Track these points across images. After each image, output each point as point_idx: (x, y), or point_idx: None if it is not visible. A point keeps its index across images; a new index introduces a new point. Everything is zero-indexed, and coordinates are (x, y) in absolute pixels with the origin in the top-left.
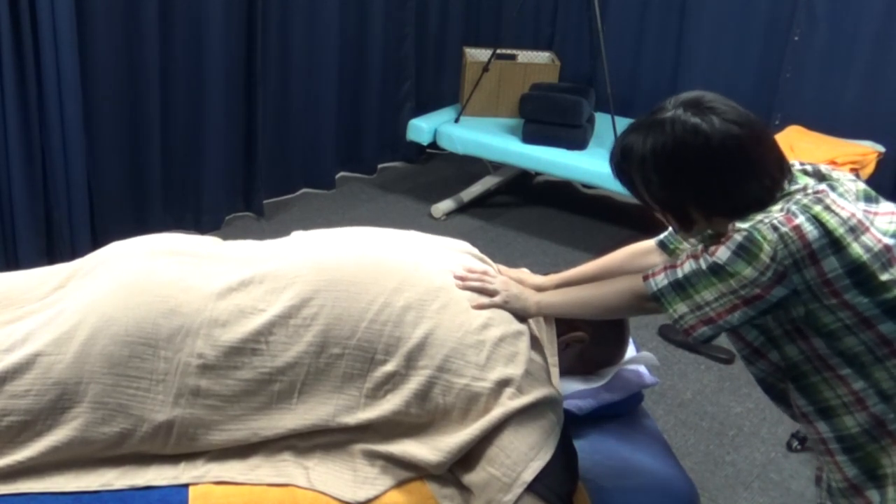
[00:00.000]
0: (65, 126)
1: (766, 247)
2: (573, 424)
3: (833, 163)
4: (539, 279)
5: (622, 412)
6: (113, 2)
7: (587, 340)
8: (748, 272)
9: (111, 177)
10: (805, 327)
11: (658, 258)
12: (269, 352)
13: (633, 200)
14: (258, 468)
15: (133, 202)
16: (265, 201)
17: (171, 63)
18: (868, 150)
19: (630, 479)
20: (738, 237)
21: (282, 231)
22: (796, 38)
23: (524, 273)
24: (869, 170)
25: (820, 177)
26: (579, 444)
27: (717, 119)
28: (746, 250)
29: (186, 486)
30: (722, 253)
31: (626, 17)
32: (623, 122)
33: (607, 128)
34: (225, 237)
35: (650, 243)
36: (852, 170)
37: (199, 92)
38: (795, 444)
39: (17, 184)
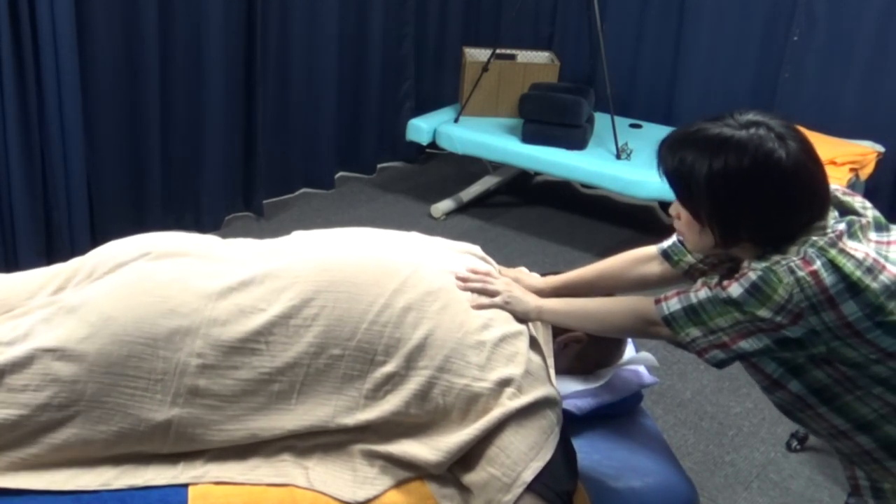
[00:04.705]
0: (64, 126)
1: (781, 290)
2: (573, 424)
3: (833, 163)
4: (537, 281)
5: (621, 412)
6: (113, 2)
7: (586, 340)
8: (762, 312)
9: (111, 177)
10: (829, 358)
11: (658, 267)
12: (268, 352)
13: (633, 201)
14: (257, 468)
15: (133, 202)
16: (265, 201)
17: (171, 63)
18: (867, 150)
19: (629, 479)
20: (752, 276)
21: (281, 231)
22: (795, 38)
23: (522, 272)
24: (868, 170)
25: (836, 203)
26: (579, 444)
27: (792, 145)
28: (760, 291)
29: (186, 485)
30: (734, 289)
31: (625, 17)
32: (623, 122)
33: (607, 128)
34: (225, 237)
35: (651, 250)
36: (852, 170)
37: (199, 92)
38: (795, 443)
39: (16, 184)
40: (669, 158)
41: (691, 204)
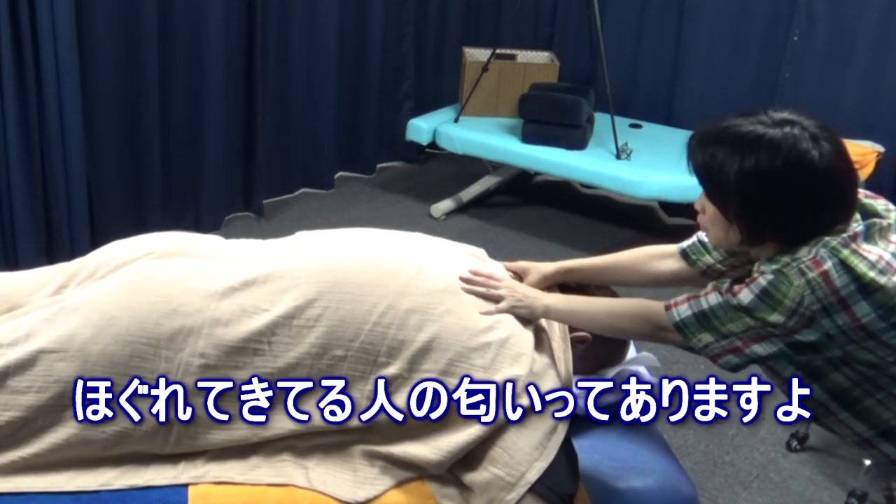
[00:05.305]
0: (64, 126)
1: (792, 293)
2: (573, 424)
3: None
4: (546, 266)
5: None
6: (113, 2)
7: (591, 340)
8: (773, 317)
9: (111, 177)
10: (847, 359)
11: (674, 265)
12: (271, 352)
13: (633, 201)
14: (257, 468)
15: (133, 202)
16: (265, 201)
17: (171, 63)
18: (868, 150)
19: (630, 479)
20: (762, 281)
21: (281, 231)
22: (795, 38)
23: (528, 263)
24: (868, 170)
25: (858, 205)
26: (579, 444)
27: (826, 146)
28: (770, 296)
29: (186, 485)
30: (745, 295)
31: (625, 17)
32: (623, 122)
33: (607, 128)
34: (225, 237)
35: (671, 248)
36: None
37: (199, 92)
38: (795, 444)
39: (16, 184)
40: (699, 154)
41: (720, 201)
